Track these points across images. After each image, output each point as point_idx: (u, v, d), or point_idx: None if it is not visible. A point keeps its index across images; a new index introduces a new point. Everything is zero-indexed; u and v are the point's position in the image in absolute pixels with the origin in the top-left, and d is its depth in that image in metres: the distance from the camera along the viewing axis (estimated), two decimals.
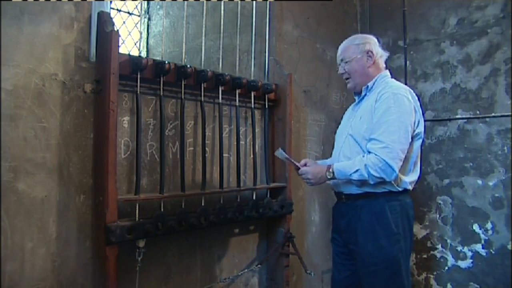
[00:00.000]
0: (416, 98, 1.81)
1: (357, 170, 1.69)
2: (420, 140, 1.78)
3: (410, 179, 1.80)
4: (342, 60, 1.94)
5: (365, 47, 1.87)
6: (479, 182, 2.94)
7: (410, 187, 1.81)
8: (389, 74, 1.91)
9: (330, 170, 1.80)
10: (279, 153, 1.99)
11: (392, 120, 1.67)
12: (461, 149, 3.03)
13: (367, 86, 1.86)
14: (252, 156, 2.50)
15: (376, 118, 1.72)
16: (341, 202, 1.93)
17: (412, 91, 1.81)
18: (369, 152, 1.71)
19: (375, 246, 1.74)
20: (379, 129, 1.69)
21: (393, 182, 1.73)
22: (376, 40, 1.93)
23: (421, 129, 1.77)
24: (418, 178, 1.87)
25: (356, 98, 1.99)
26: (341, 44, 1.99)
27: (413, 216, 1.85)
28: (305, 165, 1.94)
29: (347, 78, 1.94)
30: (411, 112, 1.71)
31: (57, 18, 1.73)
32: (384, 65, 1.93)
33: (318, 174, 1.85)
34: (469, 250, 2.97)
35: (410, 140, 1.70)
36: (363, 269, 1.82)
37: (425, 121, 1.99)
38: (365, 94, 1.87)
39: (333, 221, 2.03)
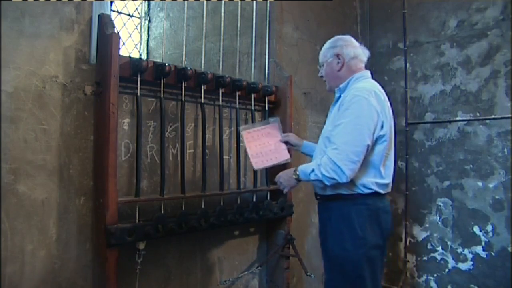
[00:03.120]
0: (384, 99, 1.75)
1: (312, 170, 1.71)
2: (385, 143, 1.71)
3: (378, 181, 1.73)
4: (319, 64, 1.96)
5: (334, 51, 1.85)
6: (479, 184, 2.94)
7: (381, 190, 1.74)
8: (366, 74, 1.86)
9: (296, 171, 1.82)
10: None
11: (346, 122, 1.65)
12: (461, 151, 3.03)
13: (339, 88, 1.85)
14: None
15: (335, 121, 1.72)
16: (318, 203, 1.94)
17: (379, 92, 1.74)
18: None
19: (341, 249, 1.72)
20: (334, 131, 1.70)
21: (358, 185, 1.71)
22: (350, 41, 1.88)
23: (385, 131, 1.70)
24: (393, 181, 1.82)
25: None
26: None
27: (387, 221, 1.79)
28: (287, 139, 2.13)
29: (325, 81, 1.95)
30: (370, 115, 1.65)
31: (58, 20, 1.74)
32: (362, 65, 1.87)
33: (287, 176, 1.86)
34: (469, 252, 2.97)
35: (368, 142, 1.63)
36: (328, 271, 1.82)
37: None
38: (339, 96, 1.84)
39: None
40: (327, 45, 1.91)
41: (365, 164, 1.68)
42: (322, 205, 1.89)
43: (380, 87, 1.81)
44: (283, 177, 1.89)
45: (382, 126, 1.69)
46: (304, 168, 1.78)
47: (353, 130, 1.64)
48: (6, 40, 1.58)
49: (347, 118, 1.66)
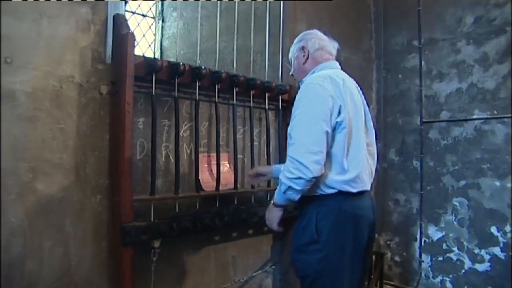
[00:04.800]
0: (344, 84, 1.58)
1: (281, 184, 1.55)
2: (345, 131, 1.53)
3: (341, 178, 1.54)
4: (289, 61, 1.91)
5: (300, 44, 1.79)
6: (497, 183, 2.88)
7: (349, 189, 1.55)
8: (332, 64, 1.75)
9: (271, 200, 1.68)
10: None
11: (299, 113, 1.53)
12: (478, 150, 2.98)
13: (302, 81, 1.72)
14: (266, 157, 2.50)
15: (292, 113, 1.59)
16: None
17: (336, 77, 1.58)
18: None
19: (299, 254, 1.60)
20: (291, 124, 1.57)
21: (320, 184, 1.54)
22: (315, 34, 1.80)
23: (343, 117, 1.52)
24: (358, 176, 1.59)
25: None
26: None
27: (359, 224, 1.59)
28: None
29: (295, 78, 1.89)
30: (324, 100, 1.50)
31: (74, 21, 1.76)
32: (329, 56, 1.78)
33: (268, 210, 1.73)
34: (486, 253, 2.92)
35: (326, 129, 1.48)
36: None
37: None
38: None
39: None
40: (295, 41, 1.85)
41: (326, 158, 1.52)
42: (298, 210, 1.74)
43: (343, 74, 1.68)
44: (266, 214, 1.74)
45: (339, 112, 1.52)
46: (276, 191, 1.62)
47: (308, 120, 1.50)
48: (25, 42, 1.61)
49: (300, 109, 1.54)
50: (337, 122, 1.53)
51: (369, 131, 1.73)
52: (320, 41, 1.78)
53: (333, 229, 1.54)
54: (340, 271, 1.55)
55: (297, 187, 1.49)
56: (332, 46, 1.81)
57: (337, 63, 1.79)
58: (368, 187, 1.65)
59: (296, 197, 1.55)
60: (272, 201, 1.68)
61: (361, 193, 1.60)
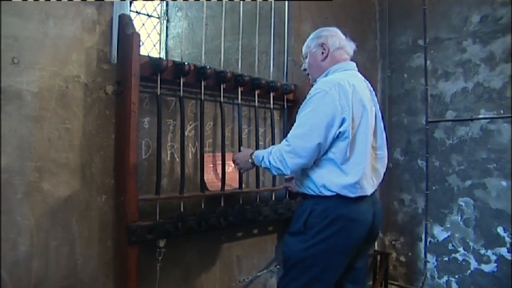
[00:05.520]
0: (354, 91, 1.58)
1: (263, 157, 1.68)
2: (347, 140, 1.55)
3: (340, 182, 1.58)
4: (302, 56, 1.89)
5: (320, 40, 1.77)
6: (504, 183, 2.86)
7: (348, 193, 1.58)
8: (347, 65, 1.75)
9: (252, 155, 1.78)
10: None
11: (301, 116, 1.59)
12: (484, 150, 2.96)
13: (316, 81, 1.75)
14: None
15: (298, 114, 1.66)
16: None
17: (346, 83, 1.58)
18: None
19: (288, 238, 1.69)
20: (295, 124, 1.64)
21: (319, 185, 1.61)
22: (336, 32, 1.80)
23: (346, 127, 1.54)
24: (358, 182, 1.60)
25: None
26: None
27: (353, 227, 1.60)
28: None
29: (308, 74, 1.88)
30: (328, 110, 1.53)
31: (80, 21, 1.77)
32: (347, 57, 1.78)
33: (244, 158, 1.84)
34: (493, 253, 2.90)
35: (319, 141, 1.53)
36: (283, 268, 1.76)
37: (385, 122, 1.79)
38: None
39: None
40: (311, 36, 1.84)
41: (326, 162, 1.60)
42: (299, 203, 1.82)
43: (356, 77, 1.70)
44: (240, 158, 1.87)
45: (342, 122, 1.55)
46: (259, 153, 1.74)
47: (305, 124, 1.56)
48: (31, 42, 1.62)
49: (303, 112, 1.60)
50: (339, 132, 1.56)
51: (379, 135, 1.74)
52: (340, 40, 1.78)
53: (324, 229, 1.59)
54: (319, 266, 1.61)
55: (274, 173, 1.68)
56: (350, 46, 1.81)
57: (354, 64, 1.79)
58: (368, 193, 1.65)
59: (297, 184, 1.75)
60: (252, 155, 1.79)
61: (360, 198, 1.62)
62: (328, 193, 1.60)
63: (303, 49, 1.87)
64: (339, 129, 1.55)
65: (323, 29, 1.83)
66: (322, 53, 1.76)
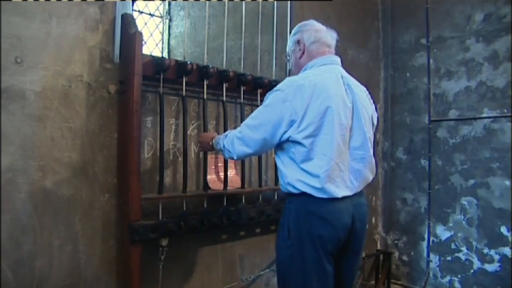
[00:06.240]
0: (313, 92, 1.48)
1: (220, 139, 1.74)
2: (310, 139, 1.49)
3: (304, 180, 1.52)
4: (286, 57, 1.87)
5: (295, 37, 1.72)
6: (507, 183, 2.85)
7: (311, 192, 1.52)
8: (325, 60, 1.66)
9: (214, 139, 1.82)
10: None
11: (257, 109, 1.61)
12: (487, 149, 2.95)
13: None
14: (273, 155, 2.49)
15: None
16: None
17: (308, 84, 1.49)
18: None
19: (278, 245, 1.63)
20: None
21: (287, 183, 1.57)
22: (312, 25, 1.72)
23: (296, 130, 1.49)
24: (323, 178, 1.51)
25: None
26: None
27: (326, 226, 1.52)
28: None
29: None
30: (278, 110, 1.50)
31: (83, 21, 1.77)
32: (327, 49, 1.69)
33: (206, 139, 1.89)
34: (496, 253, 2.89)
35: (264, 136, 1.54)
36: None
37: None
38: None
39: None
40: (291, 33, 1.79)
41: (289, 161, 1.57)
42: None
43: (327, 75, 1.58)
44: (203, 137, 1.93)
45: (291, 124, 1.50)
46: (218, 137, 1.79)
47: (257, 120, 1.58)
48: (35, 42, 1.62)
49: (261, 105, 1.60)
50: (288, 133, 1.51)
51: (359, 134, 1.61)
52: (315, 32, 1.69)
53: (297, 227, 1.55)
54: (303, 270, 1.55)
55: (225, 155, 1.73)
56: (330, 36, 1.73)
57: (334, 57, 1.70)
58: (338, 195, 1.53)
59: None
60: (214, 139, 1.83)
61: (333, 199, 1.53)
62: (294, 191, 1.56)
63: (286, 49, 1.83)
64: (286, 129, 1.52)
65: (299, 25, 1.77)
66: (299, 50, 1.72)
